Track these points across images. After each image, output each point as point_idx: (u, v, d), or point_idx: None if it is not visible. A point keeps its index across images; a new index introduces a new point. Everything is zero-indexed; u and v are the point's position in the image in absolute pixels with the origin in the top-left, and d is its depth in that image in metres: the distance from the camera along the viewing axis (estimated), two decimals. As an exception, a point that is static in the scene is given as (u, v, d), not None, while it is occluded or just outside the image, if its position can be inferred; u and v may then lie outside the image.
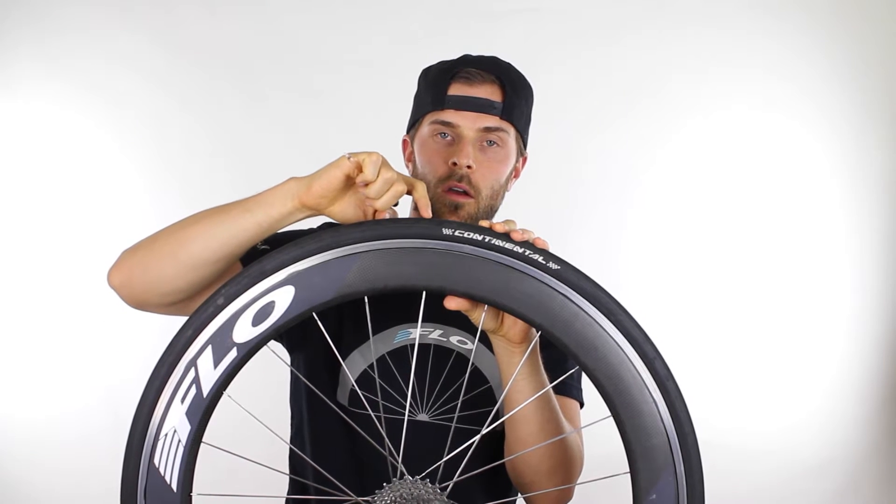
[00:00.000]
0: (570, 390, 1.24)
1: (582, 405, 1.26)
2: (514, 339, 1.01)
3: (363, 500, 0.91)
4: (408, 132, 1.29)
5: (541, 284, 0.84)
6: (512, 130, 1.20)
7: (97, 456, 2.42)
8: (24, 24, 2.68)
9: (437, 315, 1.17)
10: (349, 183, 0.92)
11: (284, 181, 0.93)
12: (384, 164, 0.90)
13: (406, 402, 1.07)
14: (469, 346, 1.21)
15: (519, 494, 1.25)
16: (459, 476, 0.92)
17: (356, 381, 1.18)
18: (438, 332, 1.22)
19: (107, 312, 2.64)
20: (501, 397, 1.04)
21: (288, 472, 1.26)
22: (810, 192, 2.86)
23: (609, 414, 0.85)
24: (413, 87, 1.29)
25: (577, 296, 0.83)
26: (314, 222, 1.28)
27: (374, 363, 1.18)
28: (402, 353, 1.20)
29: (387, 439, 0.95)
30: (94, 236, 2.71)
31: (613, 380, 0.83)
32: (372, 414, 1.02)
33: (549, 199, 2.69)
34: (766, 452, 2.81)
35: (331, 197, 0.92)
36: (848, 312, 2.87)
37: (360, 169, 0.90)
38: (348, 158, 0.90)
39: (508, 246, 0.84)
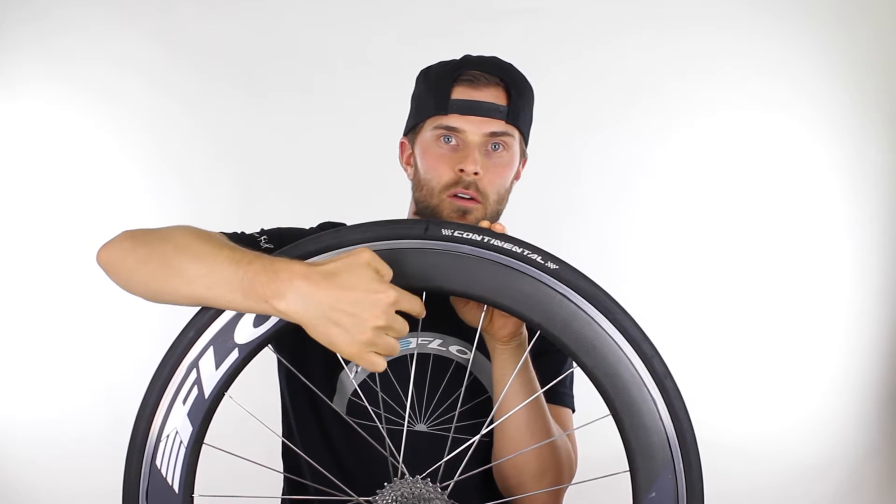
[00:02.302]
0: (562, 398, 1.24)
1: (574, 411, 1.26)
2: (501, 338, 1.03)
3: (364, 500, 0.91)
4: (406, 134, 1.27)
5: (539, 284, 0.84)
6: (516, 134, 1.19)
7: (97, 456, 2.43)
8: (24, 24, 2.68)
9: (437, 324, 1.17)
10: None
11: (282, 305, 0.79)
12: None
13: (407, 413, 1.07)
14: (469, 355, 1.20)
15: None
16: (459, 476, 0.93)
17: (354, 391, 1.17)
18: (438, 341, 1.21)
19: (107, 313, 2.64)
20: (500, 397, 1.04)
21: (289, 473, 1.26)
22: (810, 193, 2.86)
23: (608, 412, 0.85)
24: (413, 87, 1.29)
25: (576, 295, 0.84)
26: (313, 221, 1.28)
27: (375, 372, 1.17)
28: (401, 363, 1.19)
29: (388, 439, 0.96)
30: (95, 236, 2.69)
31: (612, 378, 0.84)
32: (374, 420, 1.02)
33: (548, 198, 2.69)
34: (766, 452, 2.81)
35: None
36: (848, 312, 2.88)
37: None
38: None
39: (507, 246, 0.84)
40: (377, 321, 0.77)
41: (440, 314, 1.09)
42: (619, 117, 2.80)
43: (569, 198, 2.80)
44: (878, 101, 2.84)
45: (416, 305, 0.81)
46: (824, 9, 2.81)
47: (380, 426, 1.01)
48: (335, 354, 1.14)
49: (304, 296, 0.78)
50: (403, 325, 0.80)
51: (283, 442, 1.24)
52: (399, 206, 1.29)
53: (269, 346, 1.02)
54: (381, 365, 0.79)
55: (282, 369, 1.26)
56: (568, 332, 0.84)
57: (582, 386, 1.27)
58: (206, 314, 0.83)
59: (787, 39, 2.81)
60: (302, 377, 1.10)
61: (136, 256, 0.90)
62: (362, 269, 0.78)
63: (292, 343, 1.21)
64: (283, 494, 1.31)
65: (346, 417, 1.13)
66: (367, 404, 1.12)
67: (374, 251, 0.82)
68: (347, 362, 1.19)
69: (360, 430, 1.05)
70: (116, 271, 0.92)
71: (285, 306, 0.78)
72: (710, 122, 2.83)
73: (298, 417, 1.24)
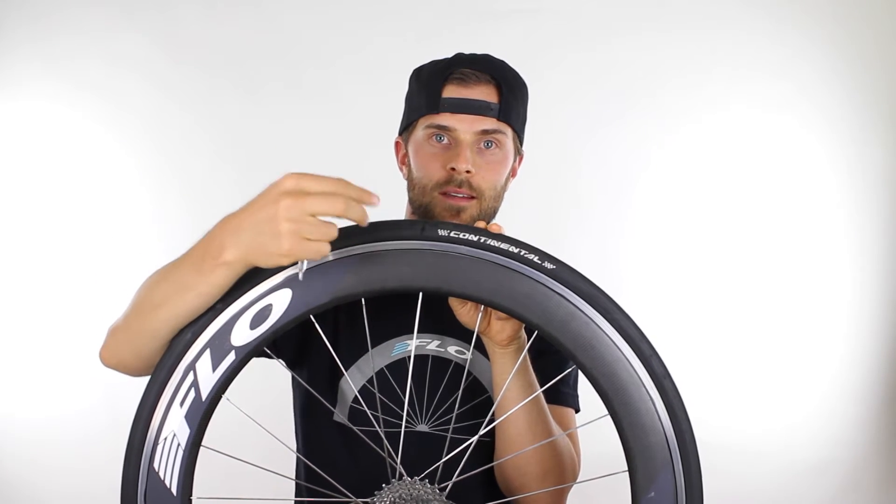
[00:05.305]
0: (564, 398, 1.23)
1: (577, 410, 1.26)
2: (500, 342, 1.03)
3: (362, 501, 0.91)
4: (400, 134, 1.27)
5: (537, 284, 0.84)
6: (509, 131, 1.18)
7: (97, 456, 2.42)
8: (25, 25, 2.69)
9: (434, 325, 1.17)
10: None
11: (226, 256, 0.81)
12: (315, 232, 0.79)
13: (405, 413, 1.07)
14: (467, 355, 1.20)
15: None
16: (458, 476, 0.92)
17: (355, 398, 1.17)
18: (436, 342, 1.20)
19: (107, 312, 2.64)
20: (498, 399, 1.04)
21: (286, 475, 1.26)
22: (809, 192, 2.86)
23: (607, 412, 0.85)
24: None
25: (574, 295, 0.84)
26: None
27: (374, 377, 1.17)
28: (400, 366, 1.19)
29: (386, 441, 0.95)
30: (95, 236, 2.71)
31: (610, 378, 0.83)
32: (375, 426, 1.02)
33: (547, 198, 2.69)
34: (765, 452, 2.81)
35: None
36: (848, 312, 2.87)
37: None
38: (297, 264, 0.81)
39: (504, 246, 0.84)
40: (281, 201, 0.77)
41: (438, 315, 1.09)
42: (619, 117, 2.80)
43: (567, 198, 2.80)
44: (878, 101, 2.83)
45: (324, 184, 0.78)
46: (824, 9, 2.81)
47: (378, 429, 1.01)
48: (335, 363, 1.15)
49: (233, 232, 0.80)
50: (318, 202, 0.77)
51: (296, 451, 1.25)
52: (398, 207, 1.29)
53: (280, 360, 1.03)
54: (323, 249, 0.78)
55: (293, 380, 1.27)
56: (566, 332, 0.84)
57: (581, 386, 1.27)
58: (204, 317, 0.83)
59: (787, 39, 2.81)
60: (308, 386, 1.10)
61: (122, 328, 0.93)
62: (273, 186, 0.79)
63: (295, 354, 1.22)
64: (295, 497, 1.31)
65: (351, 426, 1.13)
66: (367, 409, 1.12)
67: (372, 252, 0.82)
68: (347, 368, 1.18)
69: (365, 438, 1.05)
70: (121, 356, 0.94)
71: (230, 254, 0.80)
72: (710, 122, 2.83)
73: (305, 426, 1.24)
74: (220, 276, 0.82)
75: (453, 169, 1.14)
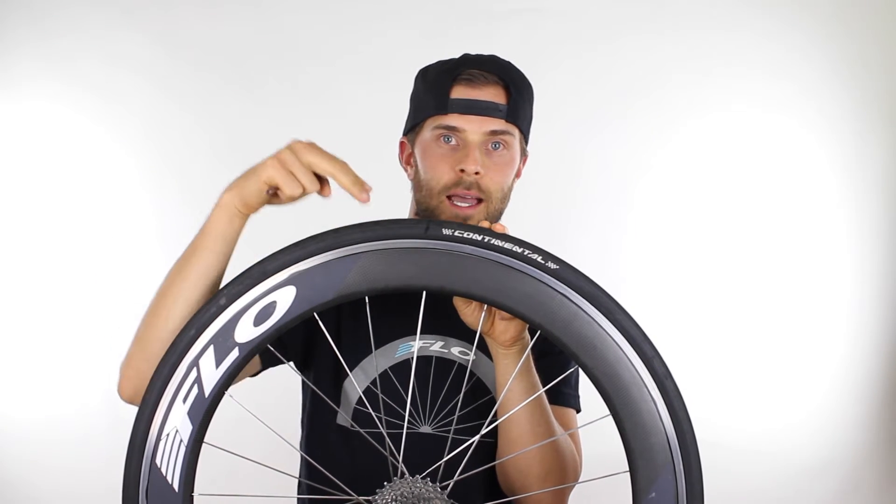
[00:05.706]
0: (566, 399, 1.23)
1: (578, 411, 1.26)
2: (503, 343, 1.03)
3: (364, 500, 0.91)
4: (405, 134, 1.26)
5: (540, 284, 0.84)
6: (517, 132, 1.19)
7: (97, 456, 2.43)
8: (25, 25, 2.68)
9: (438, 326, 1.17)
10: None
11: (221, 199, 0.97)
12: (300, 172, 0.91)
13: (407, 414, 1.07)
14: (470, 356, 1.20)
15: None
16: (460, 475, 0.92)
17: (360, 398, 1.17)
18: (440, 343, 1.21)
19: (107, 311, 2.64)
20: (500, 399, 1.04)
21: (288, 472, 1.26)
22: (810, 193, 2.86)
23: (608, 413, 0.85)
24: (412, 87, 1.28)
25: (576, 295, 0.83)
26: (313, 222, 1.28)
27: (378, 378, 1.17)
28: (404, 367, 1.19)
29: (388, 440, 0.95)
30: (95, 236, 2.71)
31: (612, 378, 0.83)
32: (379, 427, 1.02)
33: (549, 198, 2.69)
34: (766, 452, 2.81)
35: (267, 196, 0.96)
36: (848, 312, 2.88)
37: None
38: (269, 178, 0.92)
39: (508, 246, 0.84)
40: (286, 147, 0.91)
41: (441, 316, 1.09)
42: (620, 117, 2.80)
43: (570, 197, 2.80)
44: (878, 101, 2.84)
45: (329, 154, 0.91)
46: (824, 9, 2.81)
47: (382, 430, 1.01)
48: (338, 365, 1.15)
49: (233, 181, 0.97)
50: (317, 156, 0.90)
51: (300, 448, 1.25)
52: (400, 206, 1.29)
53: (290, 363, 1.04)
54: (297, 191, 0.91)
55: (302, 383, 1.28)
56: (568, 332, 0.83)
57: (582, 386, 1.27)
58: (207, 313, 0.84)
59: (787, 39, 2.81)
60: (313, 386, 1.10)
61: (136, 352, 0.99)
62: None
63: (303, 356, 1.22)
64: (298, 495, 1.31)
65: (357, 428, 1.13)
66: (371, 411, 1.12)
67: (376, 250, 0.82)
68: (352, 368, 1.18)
69: (370, 438, 1.05)
70: (138, 369, 0.99)
71: (225, 197, 0.95)
72: (711, 121, 2.83)
73: (309, 428, 1.25)
74: (217, 220, 0.92)
75: (462, 170, 1.14)
